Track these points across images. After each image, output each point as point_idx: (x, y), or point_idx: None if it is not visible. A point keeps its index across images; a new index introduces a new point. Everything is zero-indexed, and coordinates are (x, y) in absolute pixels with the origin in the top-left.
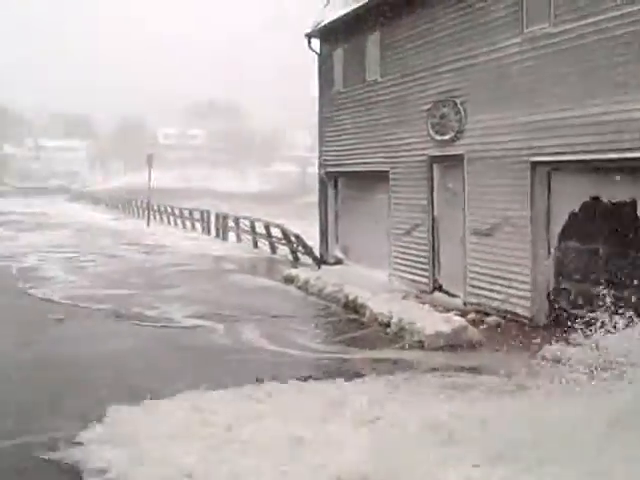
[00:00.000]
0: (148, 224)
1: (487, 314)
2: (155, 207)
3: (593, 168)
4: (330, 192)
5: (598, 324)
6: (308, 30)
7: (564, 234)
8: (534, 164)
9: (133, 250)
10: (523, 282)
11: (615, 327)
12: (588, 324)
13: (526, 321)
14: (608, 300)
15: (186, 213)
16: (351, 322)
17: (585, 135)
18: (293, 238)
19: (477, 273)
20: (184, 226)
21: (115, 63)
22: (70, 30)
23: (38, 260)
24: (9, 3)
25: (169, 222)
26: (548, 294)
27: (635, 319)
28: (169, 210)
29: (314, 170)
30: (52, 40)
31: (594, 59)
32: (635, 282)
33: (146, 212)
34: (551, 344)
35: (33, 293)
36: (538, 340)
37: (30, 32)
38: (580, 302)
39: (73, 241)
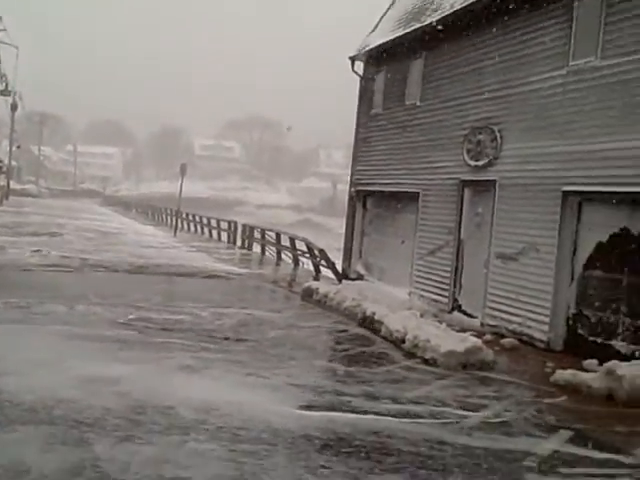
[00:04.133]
0: (175, 233)
1: (504, 336)
2: (184, 215)
3: (625, 200)
4: (358, 210)
5: (614, 352)
6: (352, 53)
7: (589, 263)
8: (566, 193)
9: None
10: (543, 307)
11: (633, 356)
12: (605, 352)
13: (542, 345)
14: (626, 330)
15: (214, 223)
16: (365, 337)
17: (620, 167)
18: (317, 252)
19: (497, 295)
20: (211, 235)
21: (155, 74)
22: (110, 39)
23: None
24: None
25: (196, 231)
26: (567, 320)
27: None
28: (197, 219)
29: (345, 188)
30: (95, 49)
31: (637, 94)
32: None
33: (175, 219)
34: (565, 369)
35: None
36: (552, 364)
37: (69, 42)
38: (599, 330)
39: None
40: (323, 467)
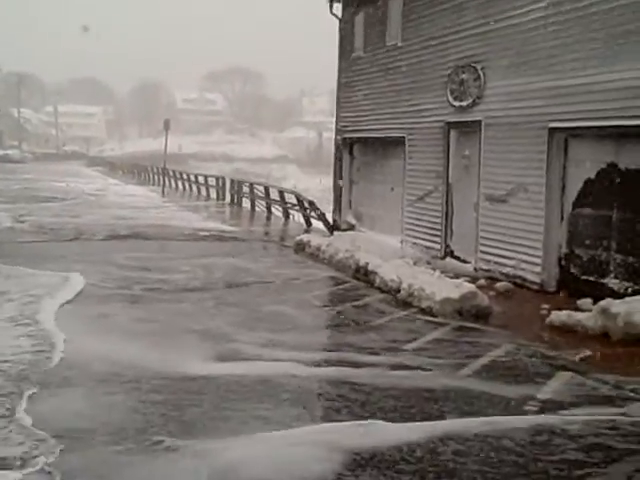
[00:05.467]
0: (163, 193)
1: (497, 280)
2: (171, 173)
3: (611, 135)
4: (345, 158)
5: (607, 290)
6: None
7: (578, 200)
8: (552, 130)
9: None
10: (535, 248)
11: (625, 293)
12: (598, 290)
13: (536, 287)
14: (618, 266)
15: (201, 179)
16: (360, 288)
17: (605, 101)
18: (307, 204)
19: (489, 239)
20: (199, 192)
21: (133, 29)
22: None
23: None
24: None
25: (184, 188)
26: (559, 260)
27: None
28: (184, 177)
29: (331, 135)
30: (73, 10)
31: (620, 23)
32: None
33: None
34: (560, 310)
35: None
36: (547, 305)
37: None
38: (591, 268)
39: None
40: None
